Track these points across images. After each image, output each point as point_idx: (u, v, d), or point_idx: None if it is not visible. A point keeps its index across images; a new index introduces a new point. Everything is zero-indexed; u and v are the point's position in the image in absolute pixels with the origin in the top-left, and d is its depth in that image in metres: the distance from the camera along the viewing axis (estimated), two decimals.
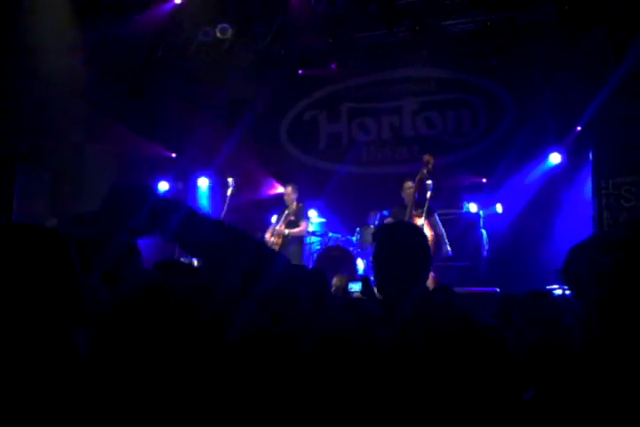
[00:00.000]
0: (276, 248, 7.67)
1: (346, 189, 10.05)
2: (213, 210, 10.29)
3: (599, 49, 8.41)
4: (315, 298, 2.03)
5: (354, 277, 7.54)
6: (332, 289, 5.78)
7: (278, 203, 8.84)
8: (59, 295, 1.23)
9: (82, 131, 9.25)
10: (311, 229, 8.91)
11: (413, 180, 7.23)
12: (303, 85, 10.67)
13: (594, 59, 8.44)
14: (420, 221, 6.77)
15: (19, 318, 1.17)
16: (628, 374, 1.54)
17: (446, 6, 8.90)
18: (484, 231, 8.40)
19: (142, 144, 10.37)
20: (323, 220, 9.51)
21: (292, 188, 8.40)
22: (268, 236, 8.17)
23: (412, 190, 7.19)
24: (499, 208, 9.04)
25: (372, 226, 8.55)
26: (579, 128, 8.79)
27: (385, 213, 8.28)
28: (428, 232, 6.49)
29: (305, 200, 8.69)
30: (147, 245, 2.68)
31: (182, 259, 5.61)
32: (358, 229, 8.76)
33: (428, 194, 7.06)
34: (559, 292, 6.23)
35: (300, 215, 8.30)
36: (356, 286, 6.27)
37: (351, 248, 8.56)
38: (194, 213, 1.66)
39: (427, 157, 7.28)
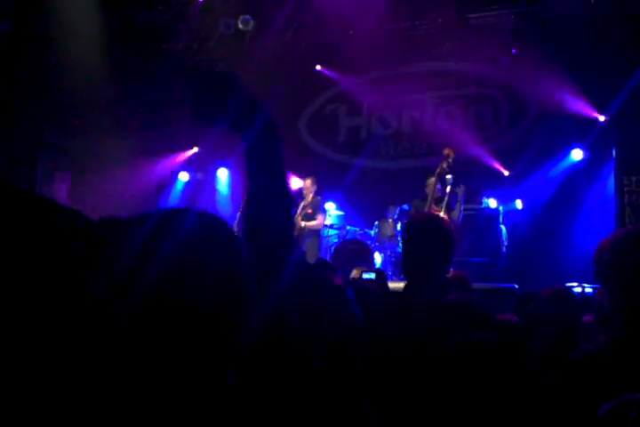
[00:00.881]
0: None
1: (364, 183, 10.00)
2: (233, 201, 10.32)
3: (624, 43, 8.30)
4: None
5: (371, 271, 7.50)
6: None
7: (296, 195, 8.81)
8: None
9: (105, 118, 9.29)
10: (329, 221, 8.88)
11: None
12: (323, 79, 10.64)
13: (618, 53, 8.33)
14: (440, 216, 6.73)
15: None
16: None
17: None
18: (503, 227, 8.33)
19: (163, 135, 10.42)
20: (341, 213, 9.47)
21: (312, 180, 8.38)
22: None
23: (433, 185, 7.15)
24: (518, 204, 8.96)
25: (390, 220, 8.49)
26: (602, 124, 8.69)
27: (405, 206, 8.23)
28: None
29: (323, 193, 8.66)
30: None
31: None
32: (376, 222, 8.66)
33: (448, 188, 7.02)
34: (578, 290, 6.18)
35: (317, 208, 8.27)
36: (369, 275, 6.23)
37: (369, 242, 8.50)
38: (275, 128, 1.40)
39: (447, 151, 7.22)
